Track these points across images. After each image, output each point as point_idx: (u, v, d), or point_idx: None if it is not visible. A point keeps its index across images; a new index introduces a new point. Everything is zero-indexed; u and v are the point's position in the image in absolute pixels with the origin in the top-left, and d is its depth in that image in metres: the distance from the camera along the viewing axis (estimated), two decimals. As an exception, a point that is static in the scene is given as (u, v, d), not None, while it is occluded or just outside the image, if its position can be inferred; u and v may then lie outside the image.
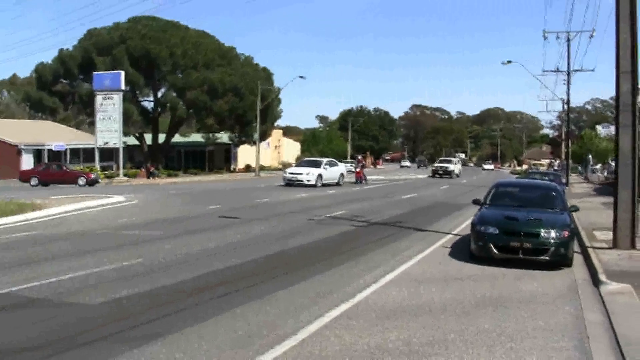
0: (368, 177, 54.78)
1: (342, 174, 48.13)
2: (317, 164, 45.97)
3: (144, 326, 8.43)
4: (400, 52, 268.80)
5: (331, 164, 47.69)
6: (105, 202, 27.81)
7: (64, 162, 59.00)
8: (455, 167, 73.23)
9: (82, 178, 46.93)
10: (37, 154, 61.65)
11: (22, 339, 7.78)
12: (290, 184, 43.23)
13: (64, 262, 12.94)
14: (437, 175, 68.85)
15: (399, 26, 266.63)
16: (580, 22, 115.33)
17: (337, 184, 46.28)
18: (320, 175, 43.86)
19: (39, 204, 24.51)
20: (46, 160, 59.12)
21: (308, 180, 42.84)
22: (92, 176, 48.24)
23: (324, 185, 43.49)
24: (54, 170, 49.54)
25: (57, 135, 64.62)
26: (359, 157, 64.72)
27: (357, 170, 52.97)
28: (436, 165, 77.59)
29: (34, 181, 47.36)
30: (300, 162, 50.19)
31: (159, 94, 69.89)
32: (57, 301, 9.73)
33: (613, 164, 19.40)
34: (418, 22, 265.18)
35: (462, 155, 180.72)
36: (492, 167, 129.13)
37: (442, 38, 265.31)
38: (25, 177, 49.12)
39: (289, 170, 48.29)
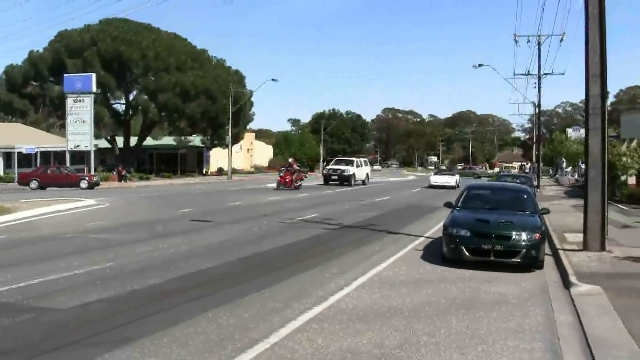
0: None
1: None
2: None
3: (115, 330, 8.34)
4: (372, 55, 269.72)
5: None
6: (76, 206, 27.52)
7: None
8: (358, 170, 54.87)
9: (84, 181, 45.88)
10: (7, 157, 60.87)
11: (-10, 345, 7.64)
12: None
13: (33, 266, 12.78)
14: (331, 182, 52.83)
15: (371, 30, 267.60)
16: (551, 26, 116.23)
17: None
18: None
19: (7, 207, 24.23)
20: (17, 164, 58.49)
21: None
22: (94, 179, 47.82)
23: None
24: (54, 172, 48.75)
25: (28, 138, 63.57)
26: (291, 161, 54.26)
27: (281, 175, 46.06)
28: (329, 167, 58.97)
29: (33, 184, 46.27)
30: None
31: (131, 97, 69.63)
32: (26, 306, 9.60)
33: (583, 166, 19.60)
34: (390, 26, 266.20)
35: (434, 159, 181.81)
36: (448, 180, 55.59)
37: (414, 41, 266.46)
38: (24, 179, 48.19)
39: None
